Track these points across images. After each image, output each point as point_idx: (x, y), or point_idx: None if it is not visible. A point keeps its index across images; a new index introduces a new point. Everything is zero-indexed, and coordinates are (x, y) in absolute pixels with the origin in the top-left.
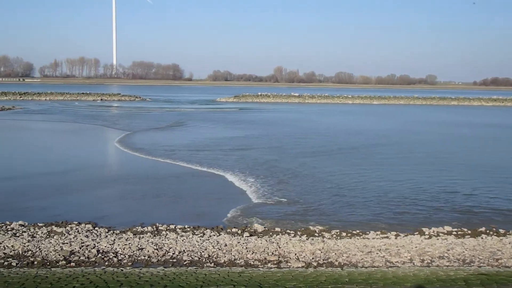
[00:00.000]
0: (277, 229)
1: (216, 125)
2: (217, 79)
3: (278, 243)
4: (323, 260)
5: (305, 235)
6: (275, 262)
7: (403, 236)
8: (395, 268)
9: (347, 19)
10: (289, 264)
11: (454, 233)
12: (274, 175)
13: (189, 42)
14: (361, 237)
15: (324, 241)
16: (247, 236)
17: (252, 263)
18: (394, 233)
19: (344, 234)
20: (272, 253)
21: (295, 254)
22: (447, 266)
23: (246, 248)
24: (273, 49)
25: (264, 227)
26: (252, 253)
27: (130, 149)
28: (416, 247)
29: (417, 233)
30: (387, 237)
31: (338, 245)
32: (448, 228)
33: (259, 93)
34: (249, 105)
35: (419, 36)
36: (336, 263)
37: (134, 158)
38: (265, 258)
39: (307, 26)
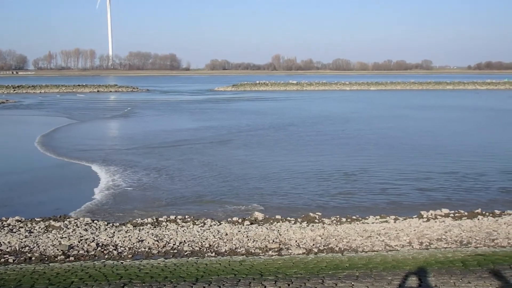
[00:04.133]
0: (278, 216)
1: (191, 116)
2: (215, 68)
3: (278, 230)
4: (323, 246)
5: (306, 222)
6: (276, 249)
7: (402, 220)
8: (395, 252)
9: (343, 5)
10: (290, 251)
11: (452, 215)
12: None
13: (186, 32)
14: (361, 222)
15: (324, 227)
16: (248, 225)
17: (253, 251)
18: (393, 217)
19: (344, 219)
20: (273, 241)
21: (296, 241)
22: (445, 248)
23: (247, 236)
24: (270, 37)
25: (265, 215)
26: (253, 242)
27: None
28: (414, 230)
29: (415, 216)
30: (386, 221)
31: (338, 231)
32: (445, 211)
33: (258, 82)
34: (247, 94)
35: (414, 22)
36: (337, 248)
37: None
38: (266, 246)
39: (304, 13)
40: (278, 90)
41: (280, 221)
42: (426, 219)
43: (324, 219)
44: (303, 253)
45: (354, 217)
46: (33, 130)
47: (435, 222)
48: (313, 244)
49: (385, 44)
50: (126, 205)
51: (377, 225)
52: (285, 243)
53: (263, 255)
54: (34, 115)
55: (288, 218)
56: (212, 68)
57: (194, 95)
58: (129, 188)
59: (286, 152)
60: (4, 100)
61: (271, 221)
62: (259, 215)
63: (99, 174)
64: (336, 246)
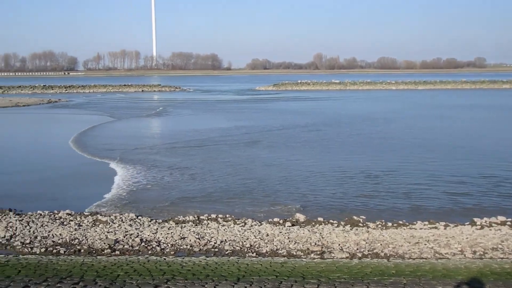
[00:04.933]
0: (320, 219)
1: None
2: (255, 67)
3: (321, 233)
4: (368, 251)
5: (349, 225)
6: (318, 252)
7: (453, 227)
8: (445, 260)
9: (388, 1)
10: (333, 254)
11: (509, 223)
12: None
13: (227, 32)
14: (408, 227)
15: (368, 232)
16: (289, 226)
17: (294, 253)
18: (443, 223)
19: (389, 224)
20: (315, 244)
21: (339, 245)
22: (502, 258)
23: (288, 238)
24: (312, 35)
25: (306, 217)
26: (295, 243)
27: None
28: (467, 238)
29: (468, 223)
30: (435, 228)
31: (383, 236)
32: (501, 218)
33: (299, 81)
34: (288, 93)
35: (466, 17)
36: (382, 254)
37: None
38: (308, 249)
39: (347, 11)
40: (320, 90)
41: (323, 224)
42: (479, 226)
43: (368, 223)
44: (347, 257)
45: (400, 222)
46: (73, 128)
47: (490, 230)
48: (357, 249)
49: (434, 41)
50: (161, 202)
51: (426, 231)
52: (328, 246)
53: (305, 258)
54: (78, 114)
55: (331, 221)
56: (253, 68)
57: (234, 95)
58: (152, 187)
59: (322, 153)
60: (56, 99)
61: (313, 223)
62: (301, 217)
63: (121, 171)
64: (382, 251)
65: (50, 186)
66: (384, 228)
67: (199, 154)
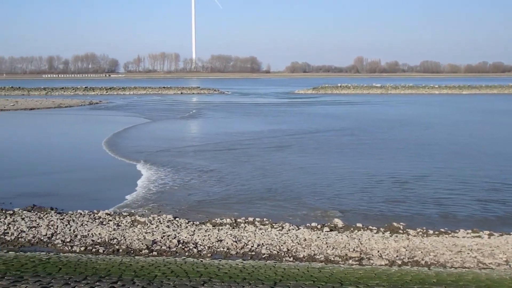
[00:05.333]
0: (359, 224)
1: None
2: (295, 70)
3: (359, 239)
4: (408, 258)
5: (388, 232)
6: (357, 258)
7: (498, 236)
8: (489, 270)
9: (431, 2)
10: (372, 261)
11: None
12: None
13: (266, 34)
14: (450, 235)
15: (409, 239)
16: (327, 231)
17: (332, 259)
18: (487, 232)
19: (430, 231)
20: (354, 250)
21: (378, 251)
22: None
23: (326, 243)
24: (353, 38)
25: (345, 223)
26: (333, 249)
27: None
28: None
29: None
30: (479, 236)
31: (424, 243)
32: None
33: (339, 84)
34: (327, 97)
35: None
36: (422, 262)
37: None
38: (346, 254)
39: (389, 13)
40: (361, 94)
41: (361, 230)
42: None
43: (408, 230)
44: (386, 264)
45: (442, 230)
46: (109, 128)
47: None
48: (397, 256)
49: (479, 45)
50: (194, 204)
51: (469, 239)
52: (367, 252)
53: (343, 264)
54: (116, 115)
55: (370, 227)
56: (293, 71)
57: (272, 98)
58: (186, 189)
59: (357, 158)
60: (98, 101)
61: (352, 229)
62: (339, 222)
63: (149, 173)
64: (422, 259)
65: (82, 185)
66: (425, 235)
67: (229, 157)
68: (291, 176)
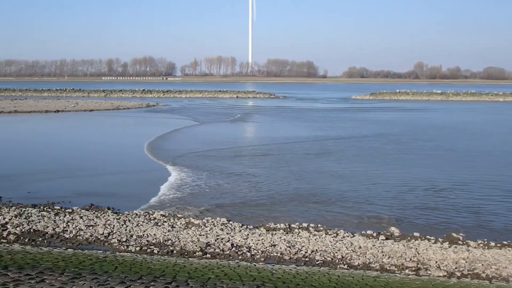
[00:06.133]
0: (416, 234)
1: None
2: (352, 76)
3: (416, 248)
4: (467, 270)
5: (447, 242)
6: (414, 268)
7: None
8: None
9: (495, 6)
10: (429, 272)
11: None
12: None
13: (324, 38)
14: None
15: (469, 250)
16: (383, 240)
17: (388, 268)
18: None
19: (492, 243)
20: (410, 259)
21: (436, 262)
22: None
23: (382, 252)
24: (413, 43)
25: (401, 231)
26: (388, 258)
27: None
28: None
29: None
30: None
31: (485, 256)
32: None
33: (398, 90)
34: (384, 103)
35: None
36: (483, 275)
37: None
38: (402, 264)
39: (450, 18)
40: (420, 100)
41: (419, 239)
42: None
43: (468, 241)
44: (444, 276)
45: (505, 242)
46: (157, 130)
47: None
48: (456, 267)
49: None
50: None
51: None
52: (424, 263)
53: (399, 273)
54: (167, 118)
55: (428, 237)
56: (350, 76)
57: (328, 103)
58: (233, 193)
59: (409, 166)
60: (154, 103)
61: (408, 238)
62: (395, 231)
63: (182, 175)
64: (483, 272)
65: (123, 187)
66: (486, 247)
67: (268, 161)
68: (340, 182)
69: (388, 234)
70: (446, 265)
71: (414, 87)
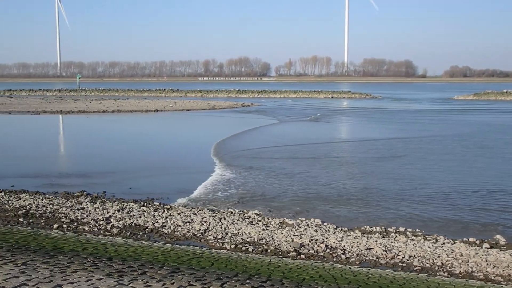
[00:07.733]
0: None
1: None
2: (454, 75)
3: None
4: None
5: None
6: None
7: None
8: None
9: None
10: None
11: None
12: None
13: (423, 36)
14: None
15: None
16: (487, 248)
17: (493, 278)
18: None
19: None
20: None
21: None
22: None
23: (486, 261)
24: None
25: (508, 240)
26: (493, 267)
27: None
28: None
29: None
30: None
31: None
32: None
33: (505, 90)
34: (489, 104)
35: None
36: None
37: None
38: (509, 275)
39: None
40: None
41: None
42: None
43: None
44: None
45: None
46: (230, 130)
47: None
48: None
49: None
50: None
51: None
52: None
53: (505, 284)
54: (254, 118)
55: None
56: (451, 75)
57: (426, 104)
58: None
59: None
60: (249, 103)
61: None
62: (501, 239)
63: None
64: None
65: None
66: None
67: (356, 163)
68: (439, 185)
69: (493, 242)
70: None
71: None
